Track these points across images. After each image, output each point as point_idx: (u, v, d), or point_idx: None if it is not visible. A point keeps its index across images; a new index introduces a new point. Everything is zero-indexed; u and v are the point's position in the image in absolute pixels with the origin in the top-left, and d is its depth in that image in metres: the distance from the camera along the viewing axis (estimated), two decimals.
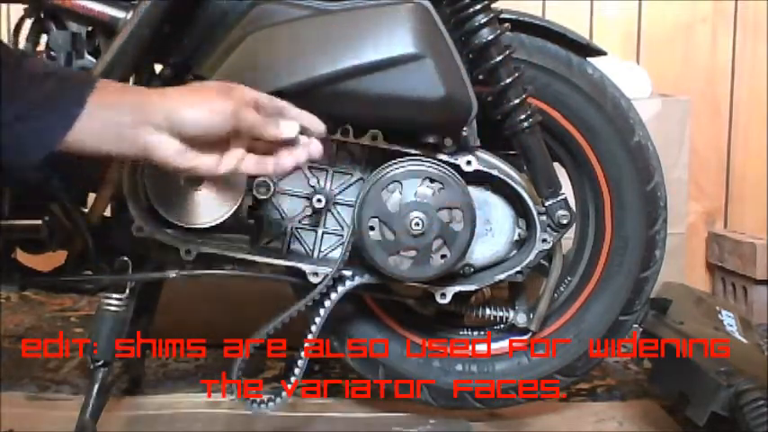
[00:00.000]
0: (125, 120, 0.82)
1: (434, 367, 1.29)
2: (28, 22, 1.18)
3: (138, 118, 0.82)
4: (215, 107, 0.84)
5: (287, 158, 0.90)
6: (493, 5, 1.15)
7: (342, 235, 1.21)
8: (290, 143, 0.90)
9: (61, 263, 1.22)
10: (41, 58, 1.02)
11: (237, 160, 0.88)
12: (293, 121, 0.90)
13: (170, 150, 0.83)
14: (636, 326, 1.33)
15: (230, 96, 0.86)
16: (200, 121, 0.83)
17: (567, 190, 1.24)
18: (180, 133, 0.83)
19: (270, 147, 0.91)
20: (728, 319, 1.44)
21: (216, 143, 0.86)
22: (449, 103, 1.09)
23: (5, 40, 0.97)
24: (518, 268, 1.21)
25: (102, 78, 0.87)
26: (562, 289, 1.31)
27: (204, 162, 0.86)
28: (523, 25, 1.24)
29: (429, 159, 1.15)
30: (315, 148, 0.92)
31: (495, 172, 1.18)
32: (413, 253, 1.13)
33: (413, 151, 1.16)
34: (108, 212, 1.23)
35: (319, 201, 1.18)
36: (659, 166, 1.27)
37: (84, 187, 1.22)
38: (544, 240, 1.20)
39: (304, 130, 0.92)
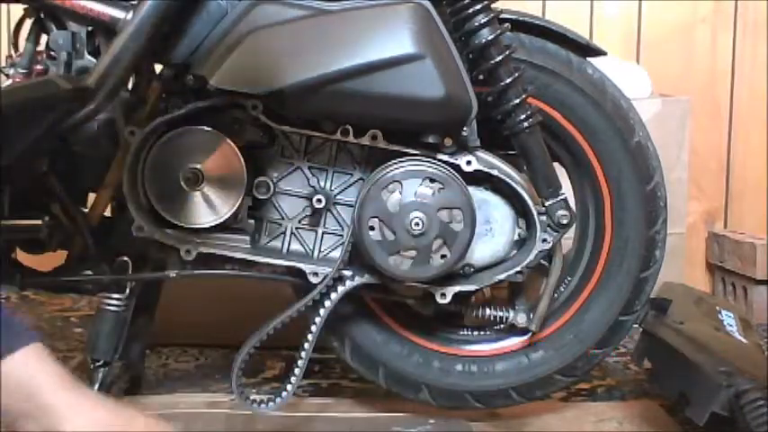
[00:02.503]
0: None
1: (434, 367, 1.29)
2: (28, 22, 1.18)
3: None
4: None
5: None
6: (493, 5, 1.16)
7: (342, 235, 1.21)
8: None
9: (61, 263, 1.22)
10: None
11: None
12: None
13: None
14: (636, 326, 1.33)
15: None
16: None
17: (567, 190, 1.24)
18: None
19: None
20: (728, 319, 1.44)
21: None
22: (449, 103, 1.09)
23: (5, 40, 0.97)
24: (518, 268, 1.21)
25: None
26: (562, 289, 1.31)
27: None
28: (523, 25, 1.24)
29: (429, 159, 1.15)
30: None
31: (495, 172, 1.18)
32: (413, 253, 1.13)
33: (413, 151, 1.16)
34: (108, 212, 1.23)
35: (319, 201, 1.18)
36: (659, 166, 1.27)
37: (84, 187, 1.22)
38: (544, 240, 1.20)
39: None
